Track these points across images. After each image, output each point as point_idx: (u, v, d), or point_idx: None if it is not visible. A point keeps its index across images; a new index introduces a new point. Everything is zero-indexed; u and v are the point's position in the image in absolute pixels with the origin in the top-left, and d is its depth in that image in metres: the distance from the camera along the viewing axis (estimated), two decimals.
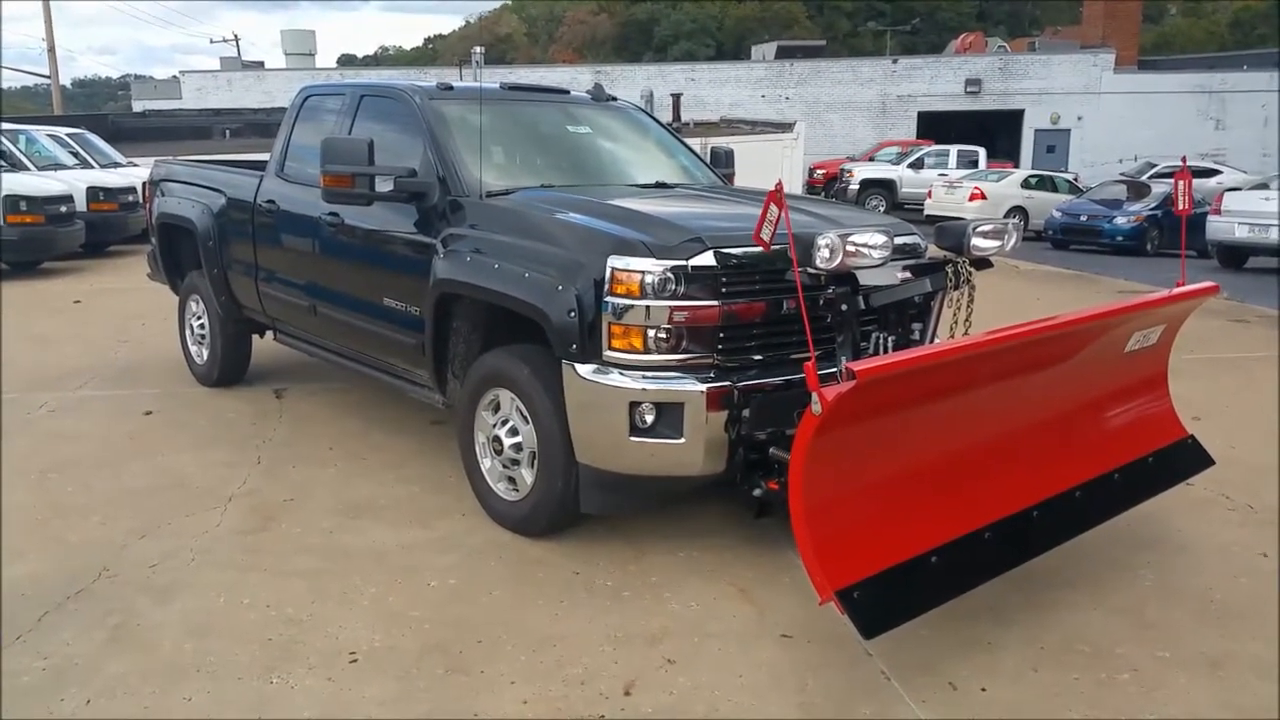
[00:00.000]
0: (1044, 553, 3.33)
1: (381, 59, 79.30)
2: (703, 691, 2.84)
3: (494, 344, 4.05)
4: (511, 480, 3.92)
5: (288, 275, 5.28)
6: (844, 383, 2.54)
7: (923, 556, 2.90)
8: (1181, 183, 3.81)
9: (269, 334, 5.85)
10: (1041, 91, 32.13)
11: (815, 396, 2.55)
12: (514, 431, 3.85)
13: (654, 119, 5.85)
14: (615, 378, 3.41)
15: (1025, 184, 21.40)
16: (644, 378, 3.39)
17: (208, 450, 4.92)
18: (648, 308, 3.34)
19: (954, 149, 25.08)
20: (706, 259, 3.39)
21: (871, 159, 27.11)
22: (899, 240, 3.88)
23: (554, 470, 3.66)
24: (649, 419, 3.39)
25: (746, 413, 3.39)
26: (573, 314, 3.45)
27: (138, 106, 33.07)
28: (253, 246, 5.50)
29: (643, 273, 3.34)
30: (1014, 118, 32.37)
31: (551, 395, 3.59)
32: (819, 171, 26.83)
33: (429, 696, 2.80)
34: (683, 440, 3.38)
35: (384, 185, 4.31)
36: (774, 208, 2.84)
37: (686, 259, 3.37)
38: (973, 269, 3.73)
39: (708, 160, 5.64)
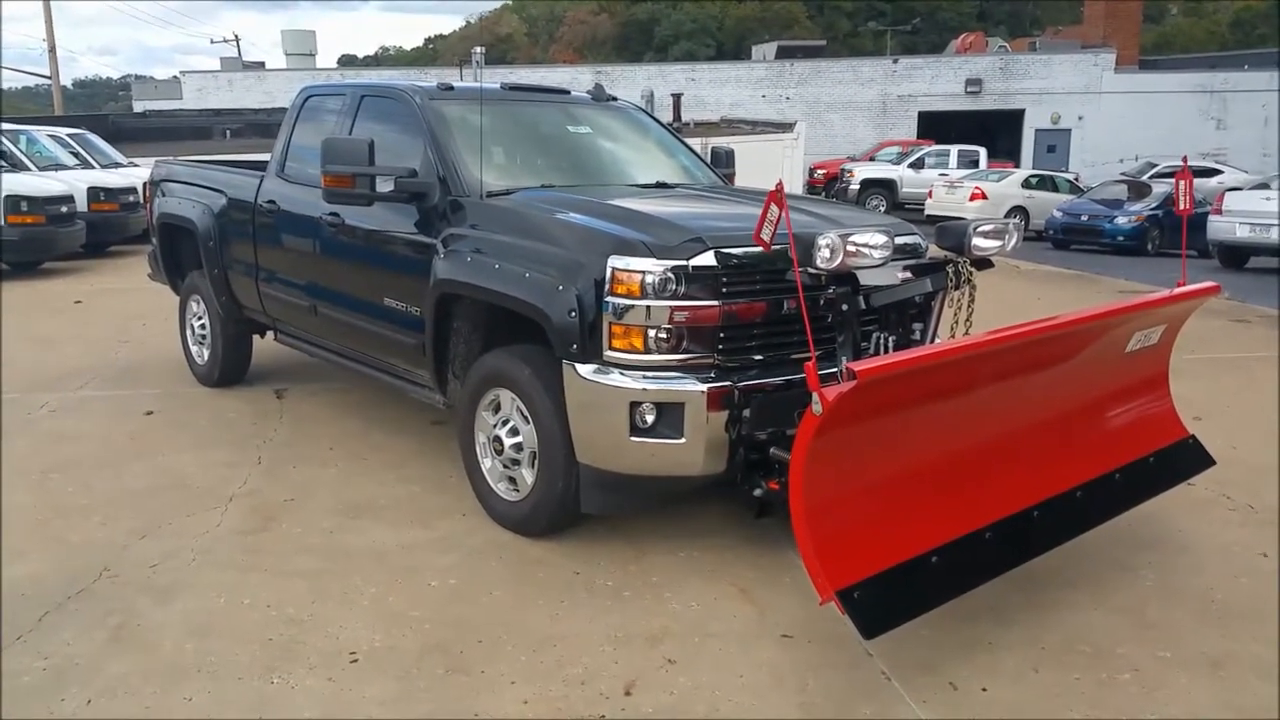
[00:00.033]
0: (1045, 553, 3.33)
1: (382, 59, 79.33)
2: (703, 691, 2.84)
3: (494, 344, 4.05)
4: (512, 480, 3.92)
5: (288, 275, 5.28)
6: (844, 383, 2.54)
7: (923, 556, 2.90)
8: (1182, 182, 3.80)
9: (269, 334, 5.85)
10: (1042, 91, 32.12)
11: (816, 396, 2.55)
12: (514, 431, 3.85)
13: (654, 119, 5.85)
14: (616, 378, 3.41)
15: (1026, 184, 21.40)
16: (644, 378, 3.39)
17: (208, 450, 4.92)
18: (648, 308, 3.34)
19: (954, 149, 25.08)
20: (707, 259, 3.39)
21: (872, 159, 27.11)
22: (899, 240, 3.88)
23: (554, 470, 3.66)
24: (649, 419, 3.39)
25: (747, 413, 3.39)
26: (573, 314, 3.45)
27: (138, 107, 33.09)
28: (253, 247, 5.50)
29: (643, 273, 3.34)
30: (1015, 118, 32.36)
31: (552, 395, 3.59)
32: (819, 171, 26.83)
33: (429, 696, 2.80)
34: (683, 440, 3.38)
35: (384, 185, 4.31)
36: (774, 208, 2.84)
37: (687, 259, 3.37)
38: (973, 269, 3.73)
39: (708, 160, 5.64)
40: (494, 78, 5.91)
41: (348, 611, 3.28)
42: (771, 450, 3.41)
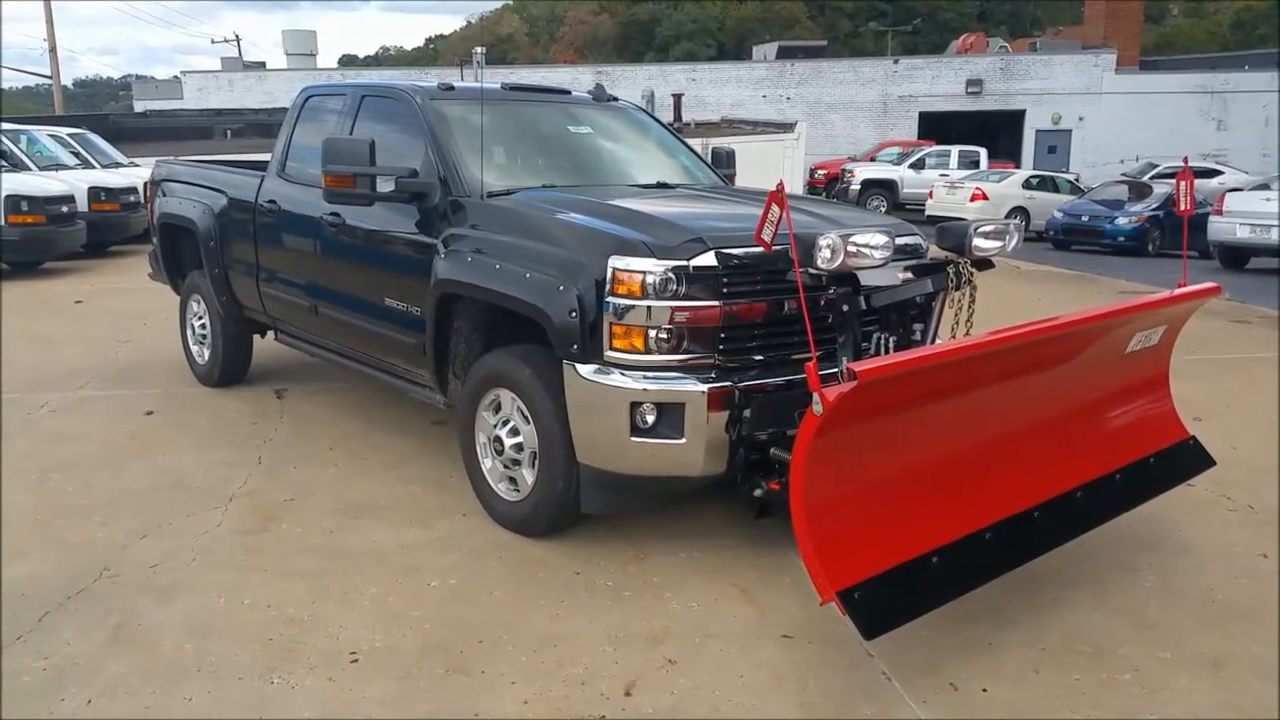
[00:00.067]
0: (1045, 553, 3.32)
1: (383, 59, 79.34)
2: (704, 692, 2.84)
3: (495, 344, 4.05)
4: (512, 480, 3.92)
5: (289, 275, 5.28)
6: (845, 383, 2.54)
7: (924, 557, 2.90)
8: (1183, 183, 3.80)
9: (270, 334, 5.85)
10: (1043, 92, 32.11)
11: (816, 397, 2.55)
12: (515, 432, 3.85)
13: (655, 119, 5.84)
14: (616, 378, 3.41)
15: (1027, 184, 21.40)
16: (645, 378, 3.39)
17: (209, 450, 4.92)
18: (649, 308, 3.34)
19: (955, 149, 25.08)
20: (708, 259, 3.39)
21: (873, 159, 27.10)
22: (900, 241, 3.88)
23: (555, 470, 3.66)
24: (650, 419, 3.39)
25: (747, 413, 3.38)
26: (574, 314, 3.45)
27: (139, 107, 33.10)
28: (254, 246, 5.51)
29: (644, 273, 3.34)
30: (1015, 118, 32.36)
31: (552, 395, 3.59)
32: (820, 172, 26.83)
33: (430, 697, 2.80)
34: (684, 440, 3.38)
35: (385, 185, 4.31)
36: (775, 208, 2.84)
37: (688, 259, 3.37)
38: (974, 269, 3.73)
39: (709, 160, 5.64)
40: (495, 78, 5.91)
41: (348, 611, 3.28)
42: (772, 450, 3.41)
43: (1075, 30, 43.00)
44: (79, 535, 3.88)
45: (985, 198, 20.21)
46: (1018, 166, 27.26)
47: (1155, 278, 11.39)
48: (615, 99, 5.61)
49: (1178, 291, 3.69)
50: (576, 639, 3.13)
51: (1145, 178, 21.73)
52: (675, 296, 3.35)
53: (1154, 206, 17.39)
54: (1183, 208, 3.82)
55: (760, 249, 2.99)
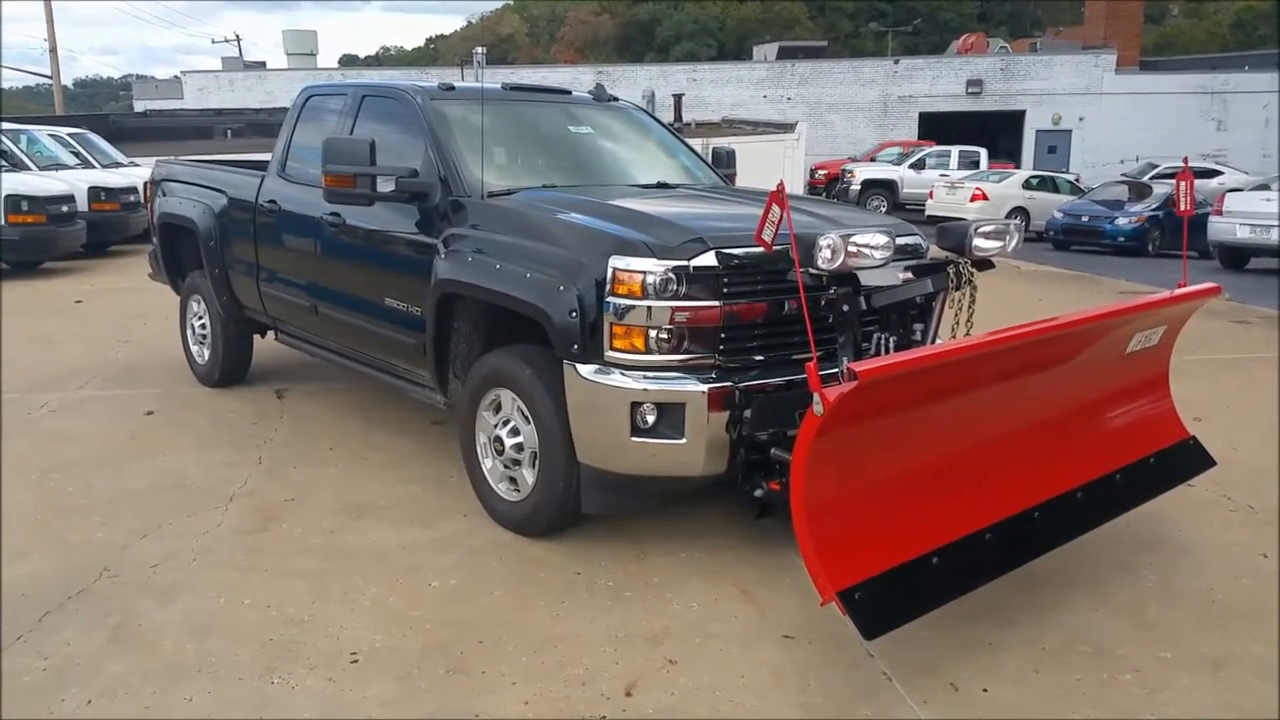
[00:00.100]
0: (1045, 554, 3.33)
1: (383, 59, 79.32)
2: (704, 692, 2.84)
3: (495, 344, 4.05)
4: (513, 480, 3.92)
5: (289, 275, 5.28)
6: (845, 383, 2.54)
7: (924, 557, 2.90)
8: (1183, 183, 3.80)
9: (270, 334, 5.85)
10: (1043, 92, 32.11)
11: (817, 397, 2.55)
12: (515, 432, 3.85)
13: (655, 119, 5.85)
14: (617, 378, 3.41)
15: (1027, 185, 21.40)
16: (645, 378, 3.39)
17: (209, 450, 4.92)
18: (649, 308, 3.34)
19: (955, 150, 25.08)
20: (708, 259, 3.39)
21: (873, 159, 27.10)
22: (900, 241, 3.88)
23: (555, 470, 3.66)
24: (650, 419, 3.39)
25: (748, 413, 3.38)
26: (574, 314, 3.45)
27: (139, 106, 33.10)
28: (254, 246, 5.50)
29: (644, 273, 3.34)
30: (1015, 118, 32.35)
31: (553, 395, 3.59)
32: (820, 172, 26.83)
33: (430, 697, 2.80)
34: (684, 441, 3.38)
35: (386, 185, 4.31)
36: (776, 208, 2.84)
37: (688, 259, 3.37)
38: (974, 270, 3.73)
39: (709, 161, 5.63)
40: (495, 78, 5.92)
41: (348, 612, 3.28)
42: (772, 451, 3.41)
43: (1075, 30, 43.02)
44: (79, 535, 3.88)
45: (985, 198, 20.21)
46: (1018, 167, 27.25)
47: (1155, 278, 11.39)
48: (616, 99, 5.61)
49: (1178, 292, 3.69)
50: (577, 639, 3.13)
51: (1145, 178, 21.73)
52: (676, 296, 3.35)
53: (1154, 207, 17.40)
54: (1183, 208, 3.83)
55: (761, 249, 2.99)
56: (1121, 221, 17.37)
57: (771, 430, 3.41)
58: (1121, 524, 3.70)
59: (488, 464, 4.03)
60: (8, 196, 10.49)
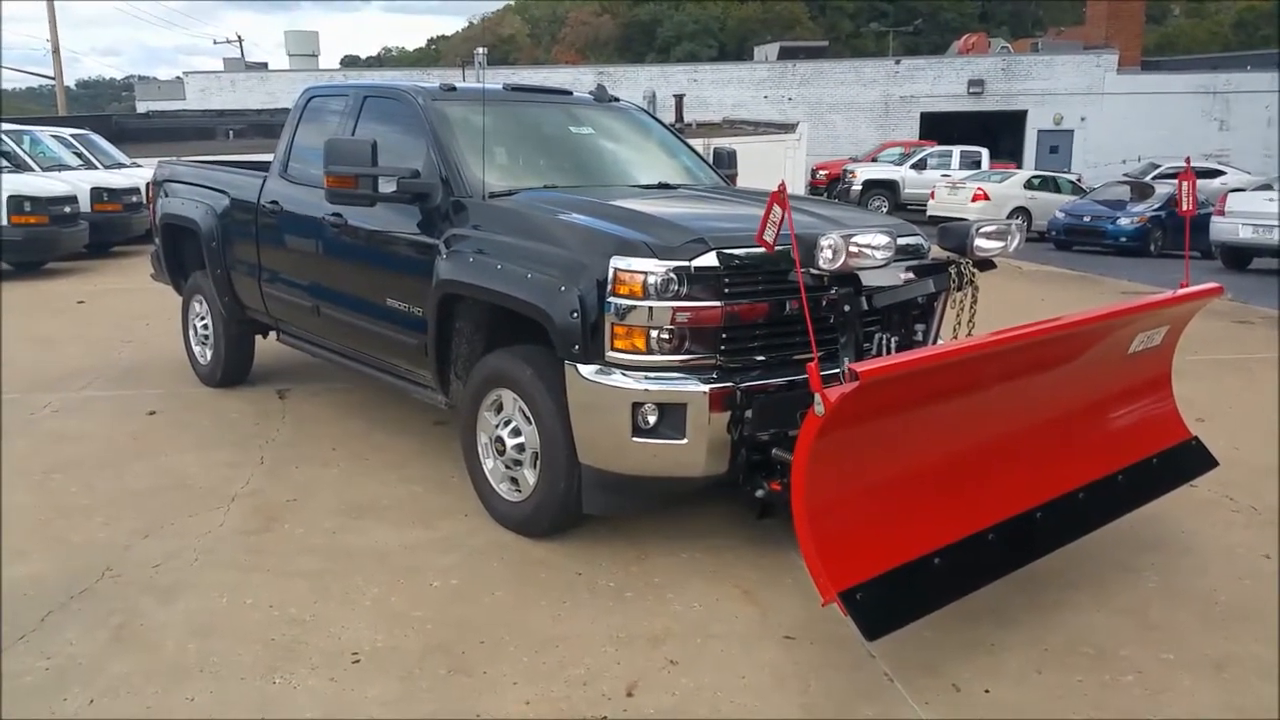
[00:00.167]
0: (1047, 554, 3.32)
1: (385, 60, 79.35)
2: (705, 693, 2.84)
3: (496, 345, 4.05)
4: (514, 481, 3.92)
5: (291, 276, 5.28)
6: (847, 384, 2.54)
7: (926, 558, 2.89)
8: (1185, 184, 3.80)
9: (272, 334, 5.86)
10: (1045, 92, 32.09)
11: (818, 397, 2.55)
12: (516, 432, 3.85)
13: (656, 120, 5.85)
14: (618, 378, 3.41)
15: (1028, 185, 21.38)
16: (646, 378, 3.39)
17: (211, 450, 4.93)
18: (650, 308, 3.34)
19: (957, 150, 25.06)
20: (709, 260, 3.39)
21: (874, 160, 27.09)
22: (902, 241, 3.87)
23: (556, 471, 3.66)
24: (651, 420, 3.38)
25: (749, 414, 3.38)
26: (575, 315, 3.45)
27: (141, 107, 33.10)
28: (256, 247, 5.51)
29: (645, 273, 3.34)
30: (1017, 118, 32.33)
31: (554, 396, 3.59)
32: (822, 172, 26.81)
33: (432, 697, 2.80)
34: (685, 441, 3.38)
35: (387, 186, 4.31)
36: (777, 208, 2.83)
37: (689, 260, 3.37)
38: (976, 270, 3.73)
39: (710, 161, 5.64)
40: (496, 78, 5.93)
41: (350, 612, 3.28)
42: (774, 451, 3.41)
43: (1077, 30, 42.98)
44: (81, 535, 3.89)
45: (987, 198, 20.19)
46: (1019, 167, 27.24)
47: (1157, 278, 11.38)
48: (617, 99, 5.62)
49: (1180, 292, 3.69)
50: (578, 639, 3.13)
51: (1147, 178, 21.72)
52: (677, 297, 3.34)
53: (1156, 207, 17.38)
54: (1185, 208, 3.82)
55: (762, 249, 2.99)
56: (1123, 222, 17.35)
57: (773, 431, 3.41)
58: (1124, 524, 3.70)
59: (489, 464, 4.03)
60: (10, 197, 10.51)
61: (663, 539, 3.90)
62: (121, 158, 15.14)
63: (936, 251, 4.02)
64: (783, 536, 3.67)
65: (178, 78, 39.14)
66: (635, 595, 3.45)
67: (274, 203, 5.32)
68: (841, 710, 2.77)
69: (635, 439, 3.40)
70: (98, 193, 12.30)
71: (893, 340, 3.65)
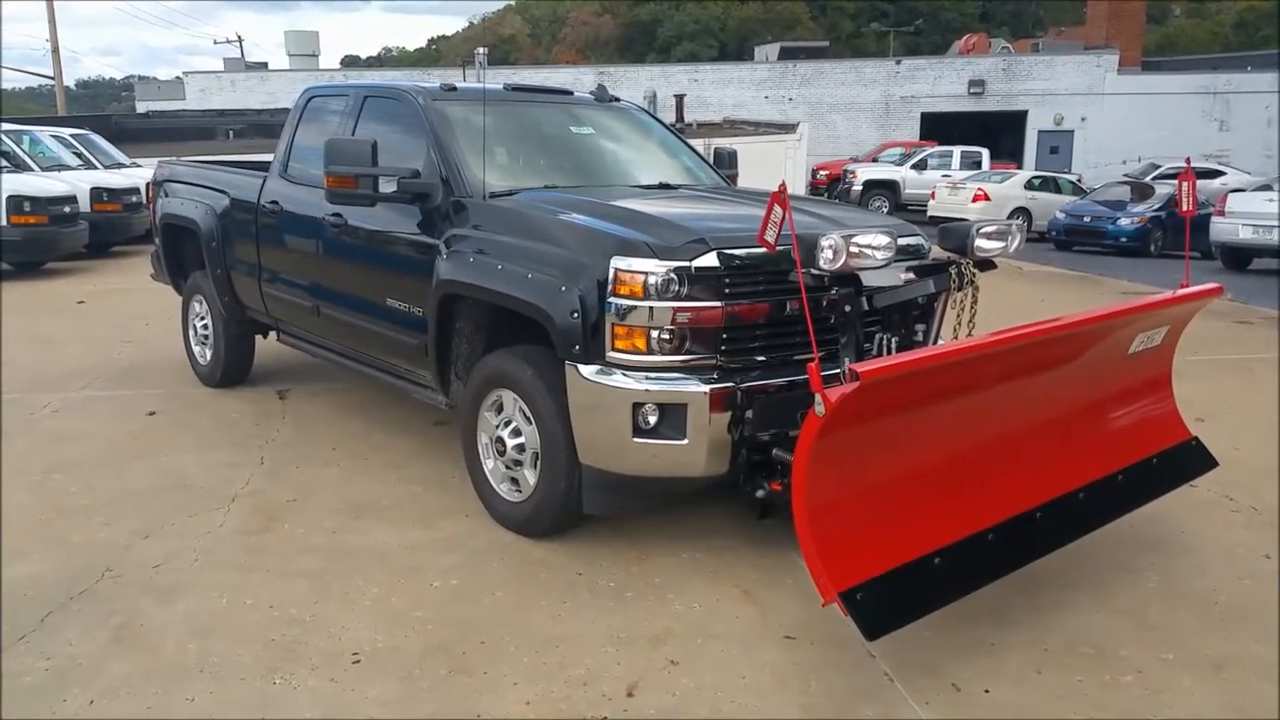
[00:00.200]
0: (1047, 554, 3.32)
1: (385, 60, 79.36)
2: (706, 693, 2.84)
3: (497, 345, 4.05)
4: (514, 481, 3.92)
5: (291, 276, 5.28)
6: (847, 384, 2.54)
7: (926, 558, 2.89)
8: (1185, 184, 3.80)
9: (272, 334, 5.86)
10: (1045, 92, 32.09)
11: (819, 398, 2.55)
12: (517, 432, 3.85)
13: (657, 120, 5.85)
14: (618, 379, 3.41)
15: (1029, 185, 21.39)
16: (647, 379, 3.39)
17: (211, 451, 4.93)
18: (651, 309, 3.34)
19: (957, 150, 25.07)
20: (710, 260, 3.39)
21: (875, 160, 27.09)
22: (902, 241, 3.87)
23: (557, 471, 3.66)
24: (652, 420, 3.38)
25: (750, 414, 3.38)
26: (576, 315, 3.45)
27: (141, 107, 33.10)
28: (256, 247, 5.51)
29: (646, 273, 3.34)
30: (1018, 119, 32.34)
31: (554, 396, 3.59)
32: (822, 172, 26.82)
33: (432, 697, 2.80)
34: (686, 441, 3.38)
35: (387, 186, 4.31)
36: (778, 209, 2.83)
37: (690, 260, 3.37)
38: (976, 270, 3.73)
39: (711, 161, 5.64)
40: (497, 78, 5.93)
41: (350, 612, 3.28)
42: (774, 451, 3.41)
43: (1077, 31, 43.00)
44: (81, 535, 3.89)
45: (987, 198, 20.20)
46: (1020, 167, 27.25)
47: (1157, 278, 11.38)
48: (617, 99, 5.62)
49: (1180, 292, 3.69)
50: (579, 640, 3.12)
51: (1147, 178, 21.72)
52: (677, 297, 3.34)
53: (1156, 207, 17.39)
54: (1185, 208, 3.82)
55: (762, 249, 2.99)
56: (1124, 222, 17.36)
57: (773, 431, 3.41)
58: (1124, 524, 3.70)
59: (489, 464, 4.03)
60: (10, 197, 10.51)
61: (663, 539, 3.90)
62: (121, 158, 15.14)
63: (937, 252, 4.02)
64: (783, 537, 3.67)
65: (178, 78, 39.17)
66: (636, 595, 3.45)
67: (274, 203, 5.32)
68: (842, 710, 2.77)
69: (636, 439, 3.40)
70: (97, 193, 12.30)
71: (893, 340, 3.65)
